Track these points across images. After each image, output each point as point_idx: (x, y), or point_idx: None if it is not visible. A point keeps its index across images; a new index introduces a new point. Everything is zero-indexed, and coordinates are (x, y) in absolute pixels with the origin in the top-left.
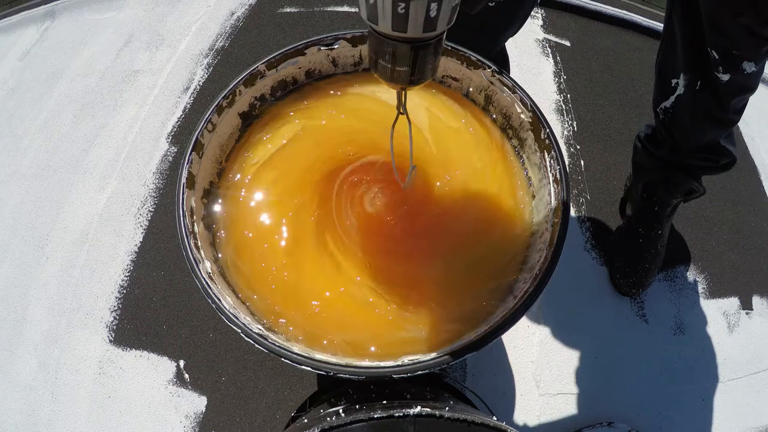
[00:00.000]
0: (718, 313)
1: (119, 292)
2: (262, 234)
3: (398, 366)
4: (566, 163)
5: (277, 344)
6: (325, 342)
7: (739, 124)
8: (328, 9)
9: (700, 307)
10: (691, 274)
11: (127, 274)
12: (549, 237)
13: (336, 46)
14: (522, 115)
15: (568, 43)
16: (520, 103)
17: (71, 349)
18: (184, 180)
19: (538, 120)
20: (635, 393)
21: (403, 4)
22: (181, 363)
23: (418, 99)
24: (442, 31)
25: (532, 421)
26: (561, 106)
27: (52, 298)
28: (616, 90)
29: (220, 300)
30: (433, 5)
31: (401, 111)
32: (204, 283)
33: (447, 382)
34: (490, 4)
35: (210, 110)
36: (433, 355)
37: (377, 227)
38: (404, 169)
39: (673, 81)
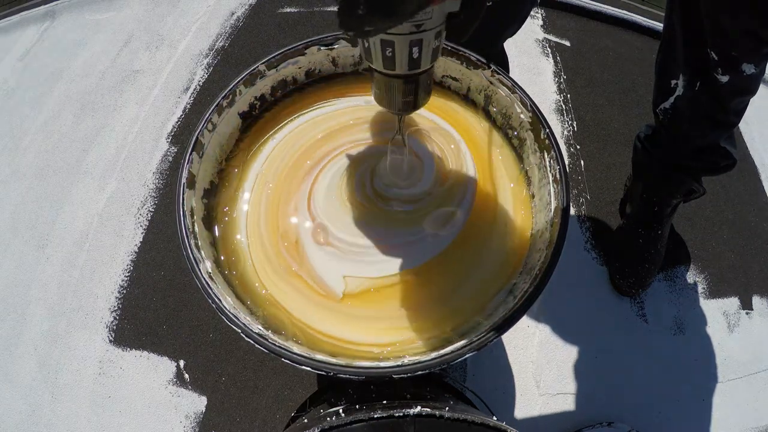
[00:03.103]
0: (718, 313)
1: (119, 292)
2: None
3: (398, 366)
4: (566, 163)
5: (277, 344)
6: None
7: (739, 124)
8: (328, 9)
9: (700, 307)
10: (691, 274)
11: (127, 274)
12: (549, 237)
13: (336, 46)
14: (522, 115)
15: (568, 43)
16: (519, 103)
17: (71, 349)
18: (184, 180)
19: (538, 120)
20: (635, 393)
21: (389, 49)
22: (181, 363)
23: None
24: (426, 68)
25: (532, 421)
26: (561, 106)
27: (52, 298)
28: (616, 90)
29: (220, 300)
30: (415, 49)
31: (398, 134)
32: (204, 283)
33: (447, 382)
34: (487, 3)
35: (210, 110)
36: (433, 355)
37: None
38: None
39: (673, 82)
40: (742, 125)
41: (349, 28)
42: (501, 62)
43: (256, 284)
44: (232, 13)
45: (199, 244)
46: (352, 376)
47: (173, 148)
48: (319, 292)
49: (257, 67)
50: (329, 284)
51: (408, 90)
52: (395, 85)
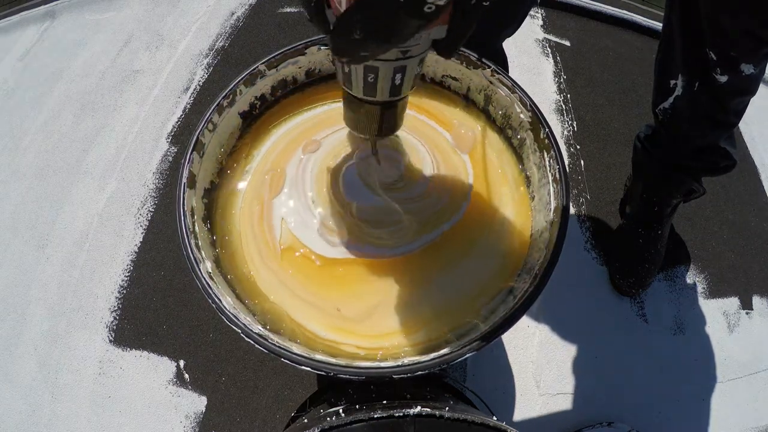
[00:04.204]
0: (718, 313)
1: (119, 292)
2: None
3: (398, 366)
4: (566, 163)
5: (277, 344)
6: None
7: (739, 124)
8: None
9: (700, 307)
10: (691, 274)
11: (127, 274)
12: (549, 237)
13: None
14: (521, 115)
15: (568, 43)
16: (519, 103)
17: (71, 349)
18: (185, 180)
19: (538, 120)
20: (635, 393)
21: (372, 75)
22: (181, 363)
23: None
24: (406, 94)
25: (532, 421)
26: (561, 106)
27: (52, 298)
28: (616, 90)
29: (220, 300)
30: (398, 75)
31: (374, 152)
32: (204, 283)
33: (447, 382)
34: (484, 3)
35: (210, 110)
36: (433, 355)
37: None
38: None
39: (672, 82)
40: (742, 125)
41: (343, 54)
42: (500, 62)
43: (245, 268)
44: (232, 13)
45: (199, 244)
46: (352, 377)
47: (173, 148)
48: (267, 241)
49: (257, 67)
50: (274, 222)
51: (386, 116)
52: (372, 112)
